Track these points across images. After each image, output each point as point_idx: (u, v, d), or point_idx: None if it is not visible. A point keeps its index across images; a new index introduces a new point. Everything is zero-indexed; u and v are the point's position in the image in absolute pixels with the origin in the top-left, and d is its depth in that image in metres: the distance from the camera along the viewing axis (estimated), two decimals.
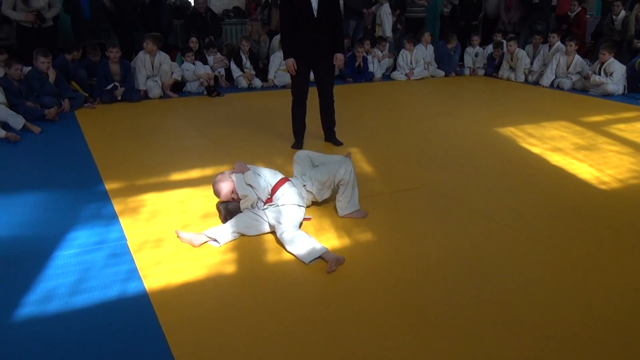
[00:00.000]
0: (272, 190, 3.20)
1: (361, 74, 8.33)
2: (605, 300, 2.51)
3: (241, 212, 3.15)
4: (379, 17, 9.14)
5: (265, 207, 3.17)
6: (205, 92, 7.17)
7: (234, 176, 3.22)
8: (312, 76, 4.77)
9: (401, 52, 8.73)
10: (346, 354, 2.13)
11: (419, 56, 8.72)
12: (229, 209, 3.19)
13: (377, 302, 2.49)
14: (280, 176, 3.29)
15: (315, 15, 4.43)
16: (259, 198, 3.20)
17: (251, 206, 3.16)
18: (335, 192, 3.34)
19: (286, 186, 3.20)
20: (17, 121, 5.21)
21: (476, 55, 9.13)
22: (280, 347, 2.17)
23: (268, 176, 3.25)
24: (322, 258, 2.80)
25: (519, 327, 2.29)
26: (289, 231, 2.92)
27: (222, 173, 3.28)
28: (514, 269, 2.78)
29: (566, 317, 2.37)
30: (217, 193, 3.23)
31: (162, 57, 7.03)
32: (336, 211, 3.36)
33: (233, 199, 3.21)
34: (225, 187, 3.18)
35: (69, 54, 6.62)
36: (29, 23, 6.74)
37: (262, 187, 3.19)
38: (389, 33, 9.05)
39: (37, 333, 2.24)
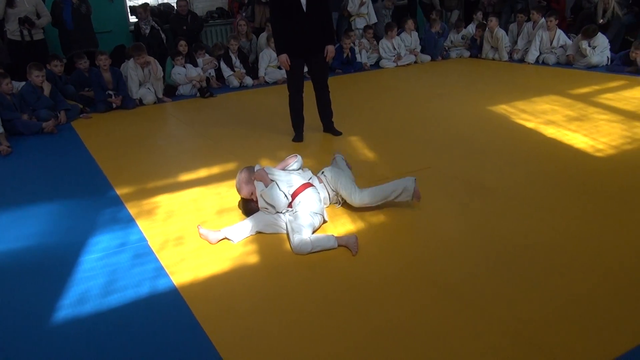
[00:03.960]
0: (292, 196, 3.15)
1: (350, 65, 8.41)
2: (610, 259, 2.66)
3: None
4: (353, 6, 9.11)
5: (284, 211, 3.17)
6: (198, 94, 7.21)
7: (256, 182, 3.20)
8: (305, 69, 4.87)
9: (380, 42, 8.79)
10: (376, 324, 2.26)
11: (401, 43, 8.80)
12: (247, 209, 3.28)
13: (396, 276, 2.61)
14: (302, 181, 3.23)
15: (305, 10, 4.51)
16: (277, 212, 3.17)
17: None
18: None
19: (307, 192, 3.15)
20: None
21: (462, 39, 9.23)
22: (313, 325, 2.29)
23: (291, 184, 3.19)
24: (339, 245, 2.91)
25: (530, 288, 2.43)
26: (303, 238, 2.90)
27: (247, 169, 3.25)
28: (521, 236, 2.92)
29: (576, 276, 2.51)
30: (238, 190, 3.29)
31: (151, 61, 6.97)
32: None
33: (253, 199, 3.24)
34: (246, 189, 3.21)
35: (49, 65, 6.64)
36: (18, 32, 6.73)
37: (282, 204, 3.12)
38: (373, 20, 9.12)
39: (78, 333, 2.32)
